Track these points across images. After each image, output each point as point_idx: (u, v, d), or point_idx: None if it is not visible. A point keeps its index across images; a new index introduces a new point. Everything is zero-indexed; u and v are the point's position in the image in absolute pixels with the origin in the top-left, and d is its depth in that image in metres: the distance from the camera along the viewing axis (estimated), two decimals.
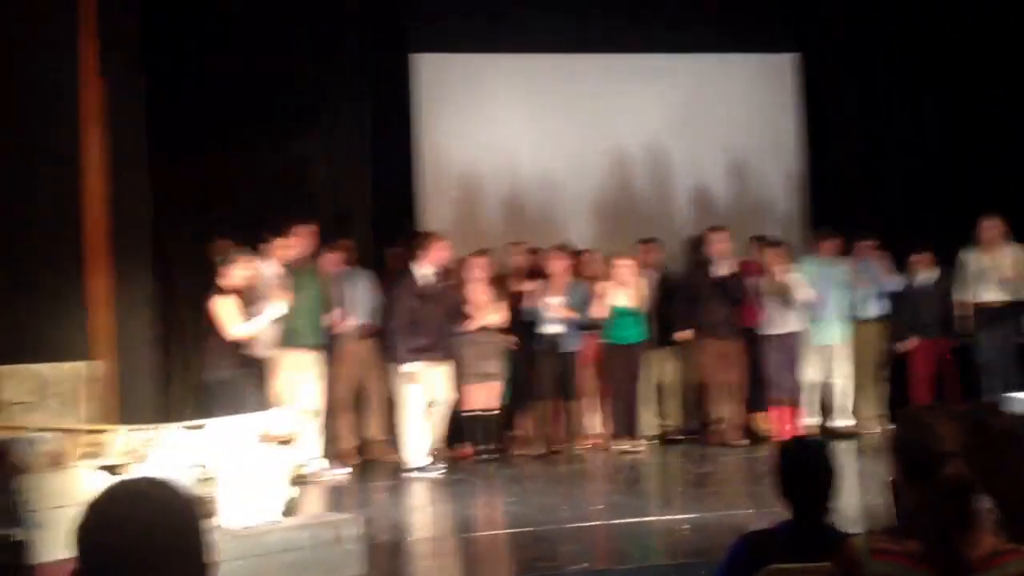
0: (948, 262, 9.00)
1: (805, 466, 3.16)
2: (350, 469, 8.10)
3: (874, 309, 9.19)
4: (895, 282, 9.16)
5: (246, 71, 8.80)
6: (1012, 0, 9.60)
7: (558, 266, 8.68)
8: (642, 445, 8.72)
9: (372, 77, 9.71)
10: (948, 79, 10.01)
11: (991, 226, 8.68)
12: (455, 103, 10.11)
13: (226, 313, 7.04)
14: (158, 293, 8.25)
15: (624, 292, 8.59)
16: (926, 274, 9.15)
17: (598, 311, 8.58)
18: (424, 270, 8.11)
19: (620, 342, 8.69)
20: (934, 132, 10.02)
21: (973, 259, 8.80)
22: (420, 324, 7.98)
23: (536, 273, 8.91)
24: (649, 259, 9.18)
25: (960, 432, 2.41)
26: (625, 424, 8.72)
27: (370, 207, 9.60)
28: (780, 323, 8.75)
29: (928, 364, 9.11)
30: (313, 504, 6.90)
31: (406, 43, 9.96)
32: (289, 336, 7.75)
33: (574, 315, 8.60)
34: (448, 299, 8.24)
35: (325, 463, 7.94)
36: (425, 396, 8.06)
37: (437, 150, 10.03)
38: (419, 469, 7.92)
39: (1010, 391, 7.87)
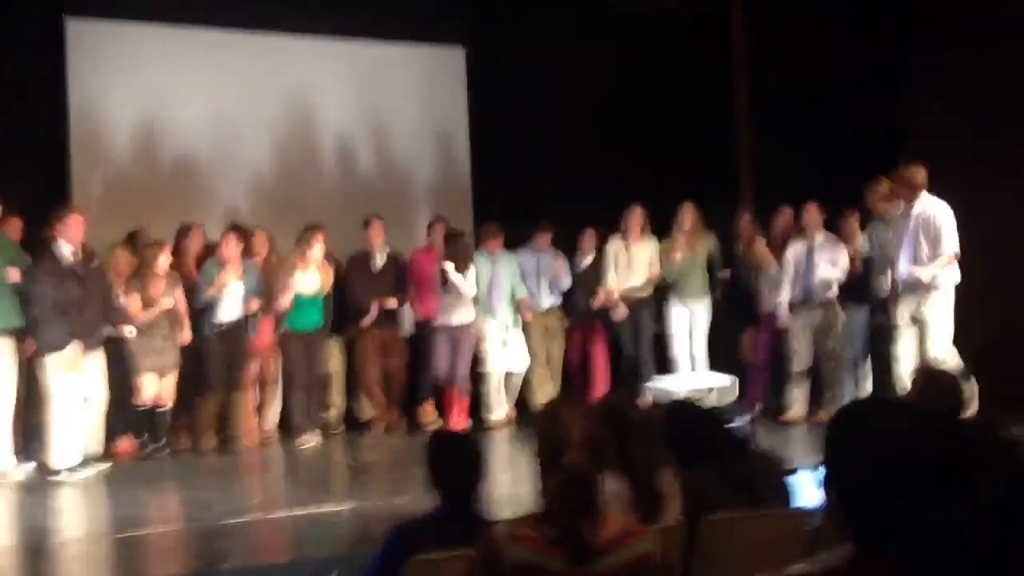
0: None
1: (452, 456, 3.26)
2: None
3: (548, 300, 9.43)
4: (565, 281, 9.42)
5: None
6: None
7: (232, 250, 8.27)
8: (317, 436, 8.54)
9: (23, 39, 8.94)
10: (601, 79, 10.63)
11: (634, 217, 9.09)
12: (115, 74, 9.50)
13: None
14: None
15: (310, 278, 8.42)
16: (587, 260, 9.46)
17: (283, 301, 8.31)
18: (65, 249, 7.30)
19: (300, 328, 8.48)
20: (595, 126, 10.57)
21: (617, 249, 9.17)
22: (66, 308, 7.19)
23: (202, 255, 8.55)
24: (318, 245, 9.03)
25: (589, 421, 2.55)
26: (303, 414, 8.51)
27: (24, 177, 8.82)
28: (450, 314, 8.81)
29: (577, 350, 9.46)
30: None
31: (62, 6, 9.27)
32: None
33: (256, 304, 8.32)
34: (99, 282, 7.57)
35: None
36: (78, 389, 7.33)
37: (93, 123, 9.40)
38: (69, 470, 7.19)
39: (647, 379, 8.51)
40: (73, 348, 7.20)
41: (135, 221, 8.73)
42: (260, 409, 8.68)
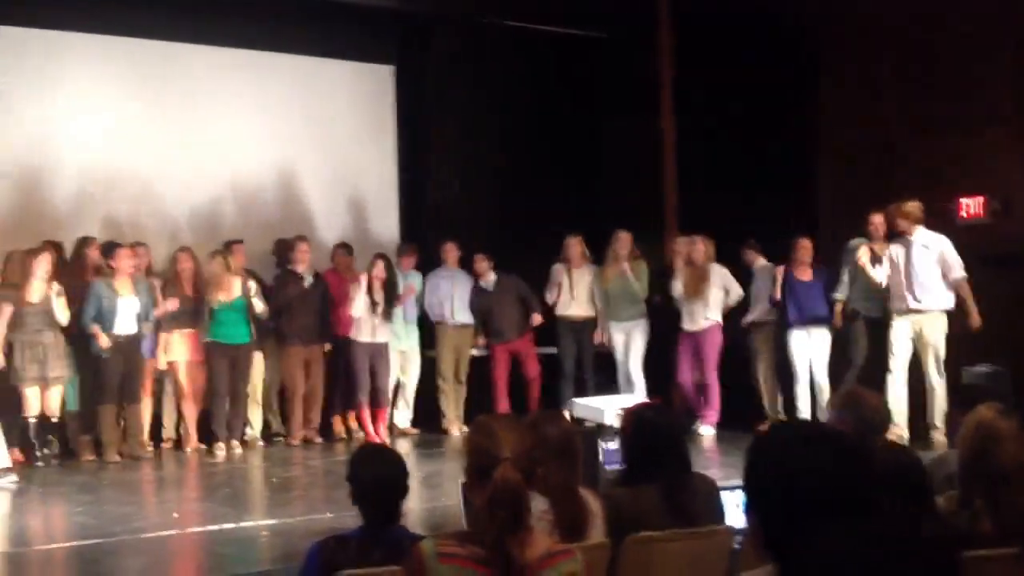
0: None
1: (374, 470, 3.22)
2: None
3: (462, 316, 9.62)
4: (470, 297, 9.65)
5: None
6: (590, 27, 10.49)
7: (127, 264, 8.25)
8: (237, 448, 8.54)
9: None
10: (528, 102, 10.73)
11: (574, 244, 9.45)
12: (33, 82, 9.21)
13: None
14: None
15: (222, 289, 8.42)
16: (489, 280, 9.66)
17: (161, 310, 8.37)
18: None
19: (226, 341, 8.48)
20: (524, 151, 10.69)
21: (562, 273, 9.51)
22: None
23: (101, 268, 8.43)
24: (239, 260, 8.99)
25: (520, 438, 2.56)
26: (224, 425, 8.50)
27: None
28: (369, 330, 8.94)
29: (504, 369, 9.63)
30: None
31: None
32: None
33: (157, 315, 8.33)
34: None
35: None
36: None
37: (8, 132, 9.12)
38: None
39: (581, 396, 8.60)
40: None
41: (40, 234, 8.54)
42: (179, 421, 8.70)
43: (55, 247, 8.36)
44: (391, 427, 9.31)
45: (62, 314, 7.87)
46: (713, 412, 8.94)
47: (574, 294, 9.47)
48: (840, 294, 8.52)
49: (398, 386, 9.48)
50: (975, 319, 7.72)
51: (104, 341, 8.06)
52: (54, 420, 7.95)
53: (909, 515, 2.78)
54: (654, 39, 10.25)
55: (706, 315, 8.93)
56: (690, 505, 3.51)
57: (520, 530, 2.43)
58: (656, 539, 3.34)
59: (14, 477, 7.23)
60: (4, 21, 9.08)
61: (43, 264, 7.83)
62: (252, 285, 8.59)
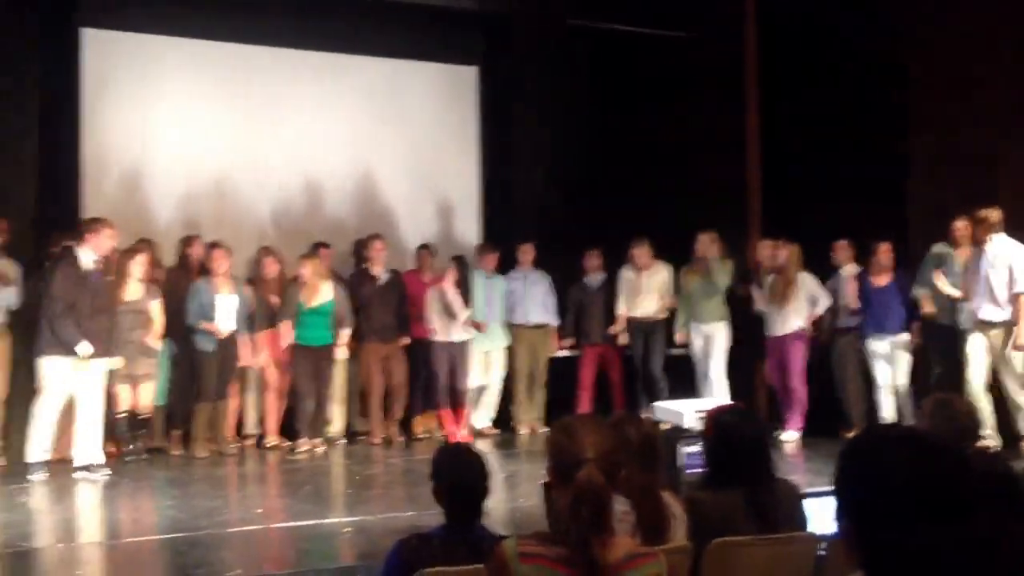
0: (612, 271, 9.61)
1: (458, 470, 3.24)
2: None
3: (536, 316, 9.61)
4: (551, 304, 9.67)
5: None
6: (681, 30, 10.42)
7: (223, 263, 8.42)
8: (320, 446, 8.66)
9: (39, 48, 8.98)
10: (612, 106, 10.69)
11: (641, 247, 9.41)
12: (127, 85, 9.53)
13: None
14: None
15: (313, 293, 8.54)
16: (596, 278, 9.68)
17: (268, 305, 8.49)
18: (87, 256, 7.45)
19: (308, 343, 8.59)
20: (604, 151, 10.67)
21: (629, 275, 9.47)
22: (79, 313, 7.31)
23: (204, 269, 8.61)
24: (326, 263, 9.13)
25: (603, 439, 2.55)
26: (307, 425, 8.63)
27: (32, 186, 8.87)
28: (447, 331, 8.99)
29: (590, 370, 9.62)
30: None
31: (76, 16, 9.30)
32: None
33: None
34: (108, 292, 7.64)
35: None
36: (72, 391, 7.41)
37: (103, 132, 9.43)
38: (86, 469, 7.35)
39: (660, 398, 8.57)
40: (81, 352, 7.27)
41: (142, 233, 8.77)
42: (262, 418, 8.86)
43: (151, 246, 8.52)
44: (471, 427, 9.33)
45: (157, 315, 8.05)
46: (797, 418, 8.80)
47: (642, 295, 9.41)
48: (923, 289, 8.34)
49: (481, 386, 9.50)
50: (1019, 339, 7.44)
51: (219, 332, 8.23)
52: (144, 416, 8.15)
53: (1005, 521, 2.71)
54: (739, 39, 10.14)
55: (791, 322, 8.80)
56: (773, 511, 3.46)
57: (603, 531, 2.42)
58: (739, 544, 3.30)
59: (107, 471, 7.45)
60: (98, 25, 9.38)
61: (139, 264, 8.00)
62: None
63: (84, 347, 7.30)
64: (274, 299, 8.72)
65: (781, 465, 5.81)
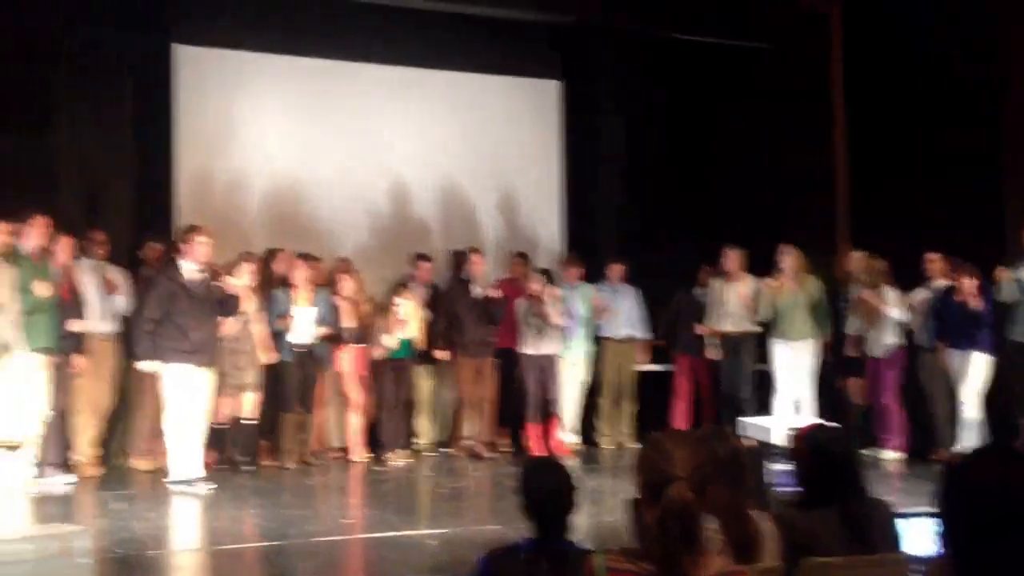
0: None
1: (545, 483, 3.23)
2: (74, 478, 7.60)
3: (625, 329, 9.56)
4: (640, 318, 9.60)
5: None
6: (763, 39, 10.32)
7: (303, 275, 8.50)
8: (401, 459, 8.71)
9: (133, 63, 9.25)
10: (694, 117, 10.63)
11: (731, 256, 9.20)
12: (218, 100, 9.77)
13: None
14: None
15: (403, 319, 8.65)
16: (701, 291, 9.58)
17: (347, 320, 8.57)
18: (189, 265, 7.57)
19: (391, 355, 8.67)
20: (685, 162, 10.62)
21: (718, 287, 9.30)
22: (183, 322, 7.45)
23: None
24: (422, 274, 9.24)
25: (692, 456, 2.51)
26: (390, 437, 8.71)
27: (129, 198, 9.13)
28: (537, 344, 8.98)
29: (685, 381, 9.56)
30: (44, 515, 6.46)
31: (168, 32, 9.55)
32: (24, 336, 7.22)
33: (326, 331, 8.51)
34: (212, 300, 7.74)
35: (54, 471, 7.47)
36: (188, 401, 7.53)
37: (197, 147, 9.66)
38: (182, 482, 7.42)
39: (745, 416, 8.44)
40: (183, 364, 7.44)
41: (235, 246, 8.92)
42: (347, 430, 8.89)
43: (253, 258, 8.60)
44: (560, 441, 9.27)
45: (257, 326, 8.18)
46: (894, 437, 8.59)
47: (728, 308, 9.22)
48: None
49: (575, 403, 9.47)
50: None
51: (292, 330, 8.32)
52: (246, 425, 8.23)
53: None
54: (824, 49, 9.99)
55: (885, 339, 8.61)
56: (866, 530, 3.39)
57: (693, 549, 2.39)
58: (832, 565, 3.24)
59: (212, 484, 7.47)
60: (190, 42, 9.61)
61: (245, 274, 8.12)
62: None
63: (149, 364, 7.45)
64: (350, 311, 8.75)
65: (877, 485, 5.70)
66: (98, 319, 7.99)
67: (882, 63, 9.52)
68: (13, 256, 7.32)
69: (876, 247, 8.81)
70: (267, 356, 8.27)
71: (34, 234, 7.41)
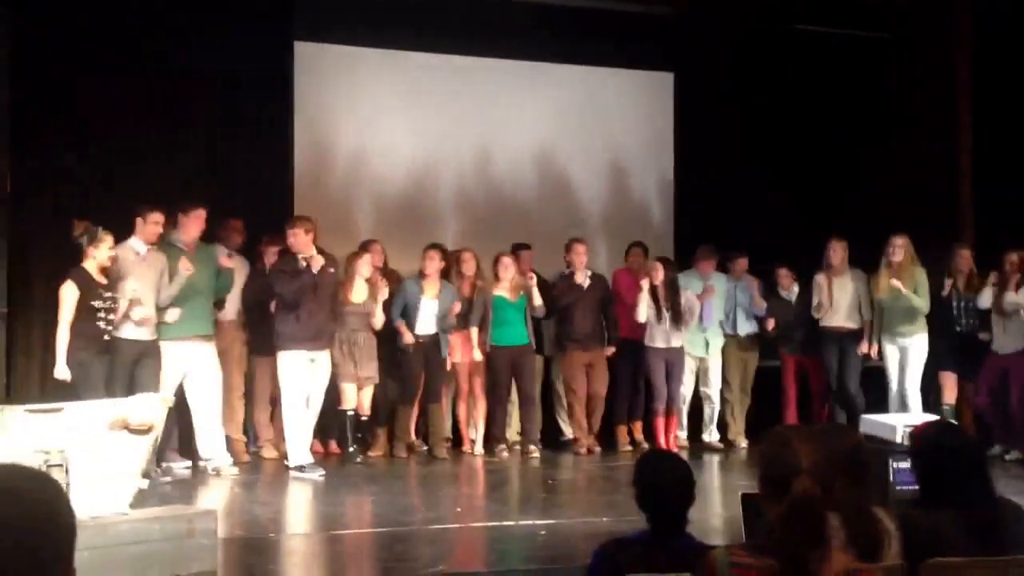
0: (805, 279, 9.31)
1: (663, 477, 3.20)
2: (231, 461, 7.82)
3: (745, 327, 9.42)
4: (761, 307, 9.36)
5: (127, 47, 8.60)
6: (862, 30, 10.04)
7: (431, 267, 8.57)
8: (517, 450, 8.76)
9: (255, 61, 9.46)
10: (810, 109, 10.44)
11: (836, 249, 8.91)
12: (334, 95, 9.93)
13: (65, 304, 6.87)
14: (12, 269, 8.02)
15: (507, 289, 8.69)
16: (789, 290, 9.37)
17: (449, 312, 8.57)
18: (303, 255, 7.72)
19: (503, 343, 8.70)
20: (800, 155, 10.44)
21: (821, 281, 9.00)
22: (302, 311, 7.67)
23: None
24: (524, 265, 9.22)
25: (815, 450, 2.47)
26: (504, 428, 8.77)
27: (247, 193, 9.37)
28: (662, 336, 8.86)
29: (794, 381, 9.34)
30: (172, 497, 6.70)
31: (291, 29, 9.75)
32: (176, 323, 7.49)
33: (452, 321, 8.55)
34: (330, 291, 7.93)
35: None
36: (305, 389, 7.76)
37: (314, 142, 9.84)
38: (299, 468, 7.63)
39: (857, 412, 8.25)
40: (302, 352, 7.67)
41: (352, 239, 9.06)
42: (463, 421, 8.93)
43: (376, 246, 8.72)
44: (684, 439, 9.18)
45: (378, 317, 8.25)
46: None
47: (835, 303, 8.91)
48: None
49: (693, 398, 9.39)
50: None
51: (408, 337, 8.40)
52: (364, 418, 8.32)
53: None
54: (951, 41, 9.69)
55: (1015, 337, 8.32)
56: (995, 532, 3.28)
57: (819, 545, 2.36)
58: (958, 565, 3.14)
59: (321, 471, 7.66)
60: (310, 38, 9.80)
61: (364, 265, 8.25)
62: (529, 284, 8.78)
63: (293, 356, 7.71)
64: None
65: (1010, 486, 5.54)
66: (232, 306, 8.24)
67: (1013, 52, 9.17)
68: (166, 245, 7.58)
69: (998, 243, 8.52)
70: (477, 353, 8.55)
71: (191, 225, 7.65)
